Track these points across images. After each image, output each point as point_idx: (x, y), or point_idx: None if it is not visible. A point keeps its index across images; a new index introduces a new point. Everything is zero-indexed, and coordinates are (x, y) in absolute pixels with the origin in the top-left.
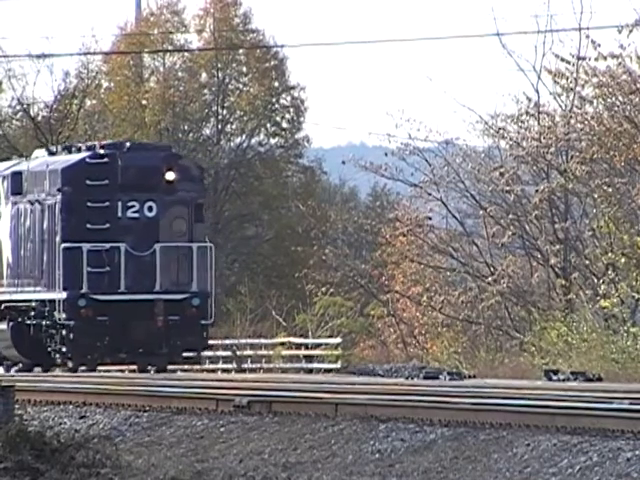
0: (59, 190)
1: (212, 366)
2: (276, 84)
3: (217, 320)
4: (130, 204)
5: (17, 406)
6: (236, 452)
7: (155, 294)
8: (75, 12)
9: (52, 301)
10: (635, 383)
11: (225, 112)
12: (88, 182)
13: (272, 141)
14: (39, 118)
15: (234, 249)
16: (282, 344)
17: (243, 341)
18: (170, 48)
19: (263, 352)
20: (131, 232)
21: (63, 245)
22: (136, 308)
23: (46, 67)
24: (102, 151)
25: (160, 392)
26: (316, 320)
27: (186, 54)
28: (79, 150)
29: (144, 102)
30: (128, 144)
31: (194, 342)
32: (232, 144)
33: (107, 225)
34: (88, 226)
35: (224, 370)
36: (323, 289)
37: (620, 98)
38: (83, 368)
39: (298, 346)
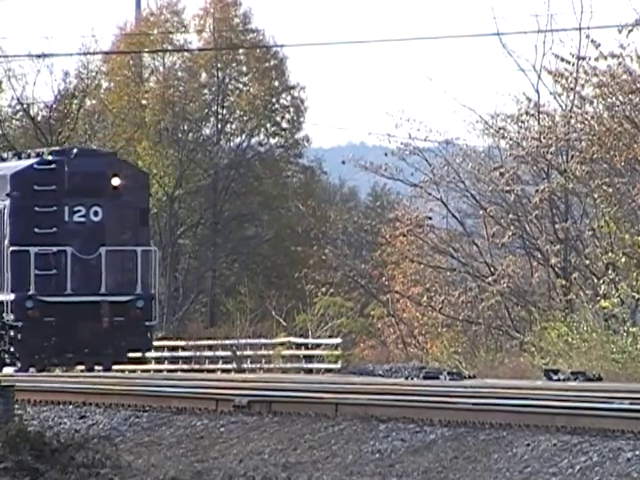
0: (8, 195)
1: (212, 366)
2: (276, 84)
3: (217, 320)
4: (77, 209)
5: (17, 406)
6: (236, 452)
7: (101, 296)
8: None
9: (1, 303)
10: (635, 383)
11: (225, 112)
12: (36, 187)
13: (272, 141)
14: (39, 118)
15: (234, 249)
16: (282, 344)
17: (243, 341)
18: (170, 48)
19: (263, 352)
20: (77, 236)
21: (11, 248)
22: (82, 309)
23: (46, 67)
24: (50, 157)
25: (160, 392)
26: (316, 320)
27: (186, 54)
28: (28, 156)
29: (144, 102)
30: (75, 150)
31: (138, 342)
32: (232, 144)
33: (54, 229)
34: (36, 230)
35: (224, 370)
36: (323, 289)
37: (620, 98)
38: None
39: (298, 346)
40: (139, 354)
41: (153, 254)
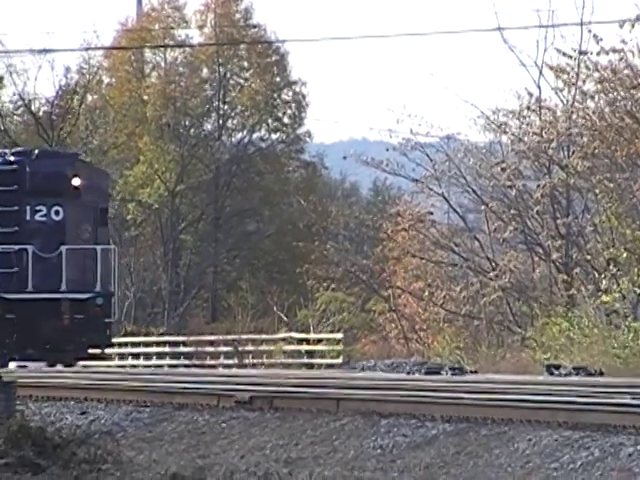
0: None
1: (213, 362)
2: (277, 79)
3: (218, 316)
4: (38, 208)
5: (18, 402)
6: (238, 448)
7: (61, 293)
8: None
9: None
10: (637, 378)
11: (226, 107)
12: None
13: (273, 136)
14: (40, 113)
15: (235, 244)
16: (283, 340)
17: (244, 337)
18: (171, 43)
19: (264, 348)
20: (39, 235)
21: None
22: (43, 307)
23: (47, 62)
24: (12, 158)
25: (161, 388)
26: (317, 315)
27: (187, 49)
28: None
29: (145, 97)
30: (37, 151)
31: (98, 339)
32: (233, 139)
33: (16, 228)
34: None
35: (225, 366)
36: (324, 284)
37: (622, 93)
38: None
39: (299, 342)
40: (99, 350)
41: (112, 253)
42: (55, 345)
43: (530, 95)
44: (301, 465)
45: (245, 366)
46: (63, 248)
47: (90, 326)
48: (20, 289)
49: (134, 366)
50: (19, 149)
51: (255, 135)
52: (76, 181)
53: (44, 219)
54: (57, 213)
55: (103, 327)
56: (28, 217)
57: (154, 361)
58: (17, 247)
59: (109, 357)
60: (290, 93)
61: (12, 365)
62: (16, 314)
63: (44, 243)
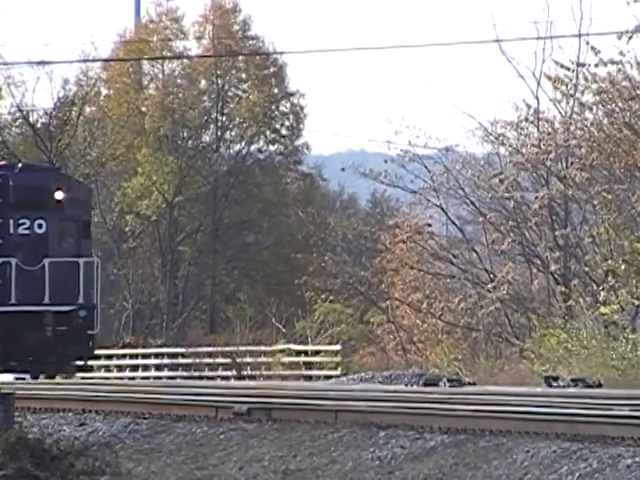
0: None
1: (211, 373)
2: (275, 91)
3: (217, 327)
4: (21, 221)
5: (17, 413)
6: (236, 459)
7: (44, 306)
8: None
9: None
10: (635, 390)
11: (224, 119)
12: None
13: (271, 148)
14: (38, 125)
15: (233, 256)
16: (282, 351)
17: (243, 348)
18: (169, 55)
19: (263, 359)
20: (22, 248)
21: None
22: (26, 319)
23: (45, 74)
24: None
25: (160, 399)
26: (316, 327)
27: (185, 61)
28: None
29: (143, 109)
30: (20, 165)
31: (81, 351)
32: (231, 151)
33: (0, 241)
34: None
35: (224, 377)
36: (323, 296)
37: (620, 104)
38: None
39: (298, 353)
40: (82, 362)
41: (95, 265)
42: (38, 357)
43: (528, 107)
44: (299, 477)
45: (243, 378)
46: (46, 261)
47: (73, 338)
48: (3, 301)
49: (132, 378)
50: (2, 163)
51: (253, 147)
52: (59, 194)
53: (27, 232)
54: (40, 226)
55: (86, 339)
56: (11, 230)
57: (152, 373)
58: (0, 260)
59: (91, 369)
60: (288, 105)
61: (9, 377)
62: (0, 326)
63: (27, 256)
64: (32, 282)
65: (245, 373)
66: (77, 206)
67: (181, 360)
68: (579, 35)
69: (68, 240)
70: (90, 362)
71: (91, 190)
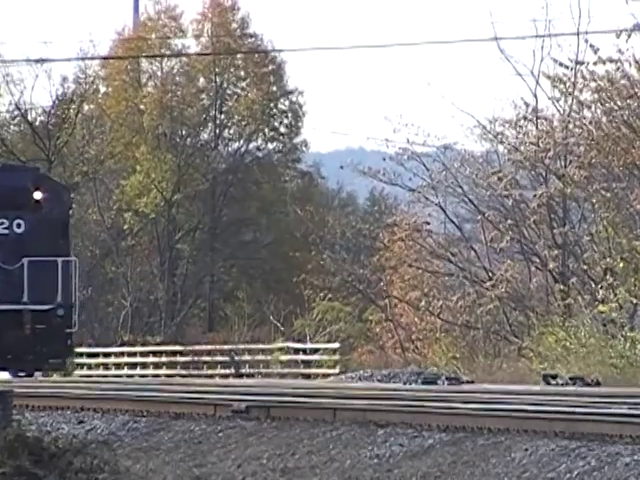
0: None
1: (210, 371)
2: (274, 89)
3: (215, 325)
4: (0, 221)
5: (15, 411)
6: (234, 457)
7: (23, 305)
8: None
9: None
10: (634, 388)
11: (223, 117)
12: None
13: (270, 146)
14: (37, 123)
15: (232, 254)
16: (280, 349)
17: (241, 346)
18: (168, 53)
19: (261, 357)
20: (1, 247)
21: None
22: (5, 318)
23: (44, 72)
24: None
25: (158, 397)
26: (314, 325)
27: (184, 59)
28: None
29: (142, 107)
30: None
31: (59, 349)
32: (230, 149)
33: None
34: None
35: (222, 375)
36: (321, 294)
37: (618, 103)
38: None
39: (296, 351)
40: (60, 360)
41: (73, 264)
42: (17, 355)
43: (527, 105)
44: (298, 475)
45: (242, 376)
46: (25, 260)
47: (51, 337)
48: None
49: (131, 376)
50: None
51: (252, 145)
52: (37, 195)
53: (6, 232)
54: (19, 226)
55: (64, 338)
56: None
57: (151, 371)
58: None
59: (69, 368)
60: (287, 102)
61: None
62: None
63: (6, 255)
64: (11, 281)
65: (244, 371)
66: (55, 206)
67: (179, 358)
68: (578, 33)
69: (46, 240)
70: (88, 360)
71: (69, 190)
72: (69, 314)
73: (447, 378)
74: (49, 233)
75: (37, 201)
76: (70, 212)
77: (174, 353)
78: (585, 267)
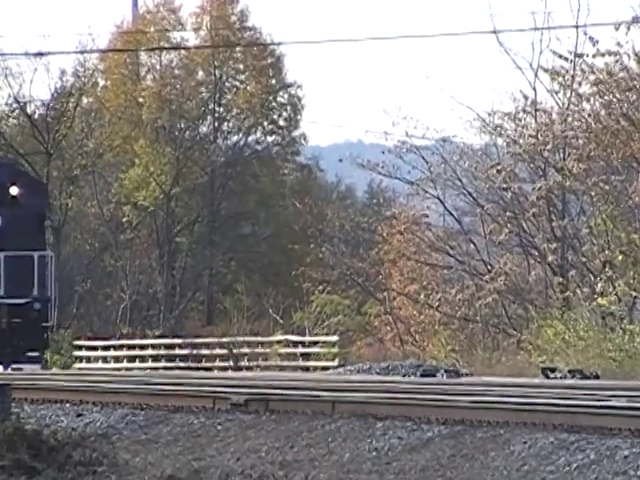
0: None
1: (209, 364)
2: (273, 82)
3: (214, 318)
4: None
5: (14, 404)
6: (233, 450)
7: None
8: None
9: None
10: (633, 381)
11: (222, 110)
12: None
13: (269, 139)
14: (36, 116)
15: (231, 247)
16: (279, 342)
17: (240, 339)
18: (167, 46)
19: (260, 350)
20: None
21: None
22: None
23: (43, 65)
24: None
25: (157, 390)
26: (313, 318)
27: (183, 52)
28: None
29: (141, 100)
30: None
31: (35, 343)
32: (229, 142)
33: None
34: None
35: (221, 368)
36: (320, 287)
37: (617, 95)
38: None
39: (295, 344)
40: (36, 353)
41: (49, 259)
42: None
43: (526, 97)
44: (297, 467)
45: (241, 369)
46: (1, 255)
47: (28, 331)
48: None
49: (129, 369)
50: None
51: (251, 138)
52: (14, 190)
53: None
54: None
55: (41, 331)
56: None
57: (150, 364)
58: None
59: (45, 361)
60: (286, 96)
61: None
62: None
63: None
64: None
65: (242, 364)
66: (32, 201)
67: (178, 351)
68: (577, 26)
69: (23, 234)
70: (87, 353)
71: (46, 185)
72: (46, 308)
73: (446, 371)
74: (25, 228)
75: (14, 196)
76: (47, 207)
77: (173, 346)
78: (584, 260)
